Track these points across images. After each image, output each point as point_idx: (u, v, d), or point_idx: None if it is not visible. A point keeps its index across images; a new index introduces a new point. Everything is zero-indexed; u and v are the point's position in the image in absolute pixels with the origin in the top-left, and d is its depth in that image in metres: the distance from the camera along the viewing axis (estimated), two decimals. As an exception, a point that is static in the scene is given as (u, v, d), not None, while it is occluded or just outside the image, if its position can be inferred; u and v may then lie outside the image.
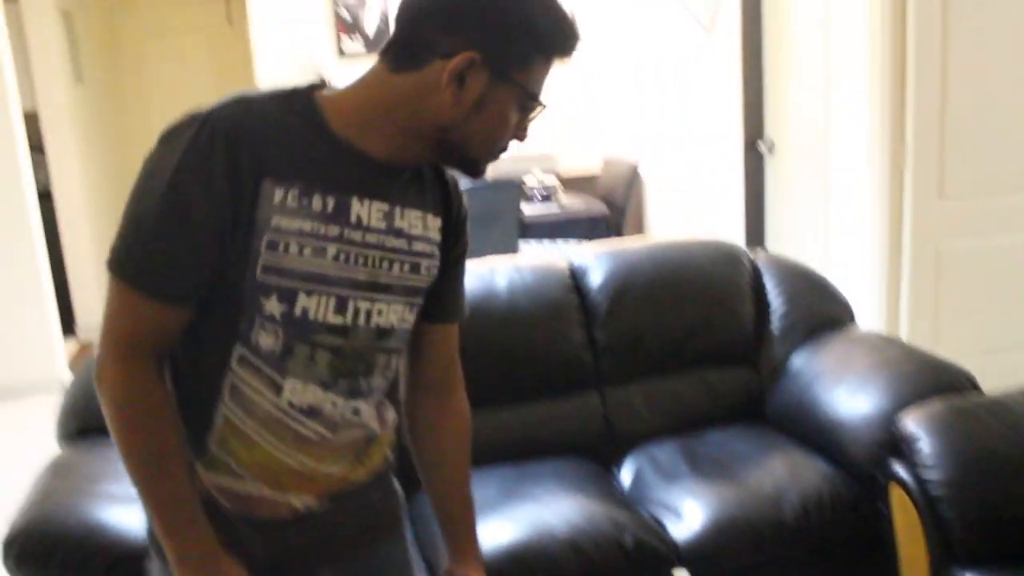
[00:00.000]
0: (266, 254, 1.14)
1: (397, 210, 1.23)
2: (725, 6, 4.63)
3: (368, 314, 1.22)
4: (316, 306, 1.18)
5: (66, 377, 4.99)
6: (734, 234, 4.52)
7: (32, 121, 5.36)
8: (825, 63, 3.82)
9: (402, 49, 1.18)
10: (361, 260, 1.20)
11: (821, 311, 2.70)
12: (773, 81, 4.37)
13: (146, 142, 1.20)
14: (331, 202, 1.17)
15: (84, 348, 5.63)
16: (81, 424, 2.17)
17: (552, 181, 5.01)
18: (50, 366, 4.97)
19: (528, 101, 1.20)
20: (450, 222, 1.34)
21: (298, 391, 1.21)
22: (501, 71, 1.15)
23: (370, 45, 5.85)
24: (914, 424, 2.07)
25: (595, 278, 2.62)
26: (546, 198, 4.89)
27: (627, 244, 2.86)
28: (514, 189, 4.46)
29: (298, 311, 1.17)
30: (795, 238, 4.30)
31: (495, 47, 1.14)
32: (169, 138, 1.14)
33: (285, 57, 5.75)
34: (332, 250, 1.17)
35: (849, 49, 3.61)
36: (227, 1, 7.56)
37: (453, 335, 1.45)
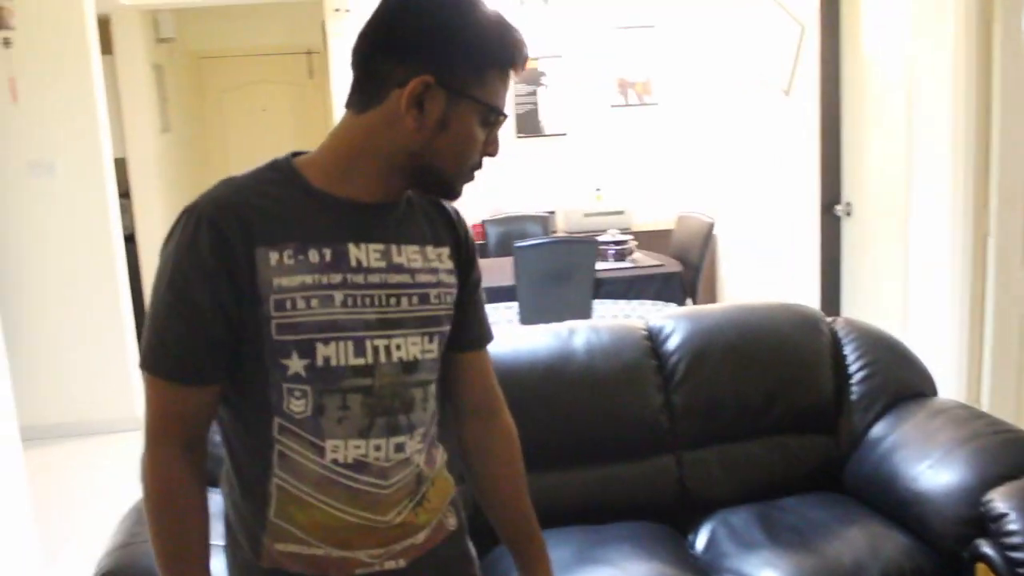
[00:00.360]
0: (276, 315, 1.19)
1: (393, 248, 1.28)
2: (801, 69, 4.64)
3: (387, 350, 1.26)
4: (336, 352, 1.22)
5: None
6: (809, 297, 4.48)
7: (120, 167, 5.55)
8: (906, 126, 3.79)
9: (362, 89, 1.24)
10: (368, 301, 1.24)
11: (902, 380, 2.65)
12: (851, 143, 4.35)
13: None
14: (328, 252, 1.22)
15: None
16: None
17: (626, 238, 5.02)
18: (129, 405, 5.09)
19: (490, 115, 1.24)
20: (460, 251, 1.38)
21: (340, 449, 1.24)
22: (457, 89, 1.20)
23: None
24: (1003, 502, 2.02)
25: (673, 341, 2.61)
26: (620, 256, 4.90)
27: (704, 307, 2.85)
28: (590, 247, 4.47)
29: (320, 361, 1.21)
30: (871, 303, 4.24)
31: (446, 67, 1.19)
32: (167, 238, 1.22)
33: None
34: (339, 296, 1.21)
35: (932, 112, 3.58)
36: (308, 56, 7.78)
37: (484, 360, 1.48)
